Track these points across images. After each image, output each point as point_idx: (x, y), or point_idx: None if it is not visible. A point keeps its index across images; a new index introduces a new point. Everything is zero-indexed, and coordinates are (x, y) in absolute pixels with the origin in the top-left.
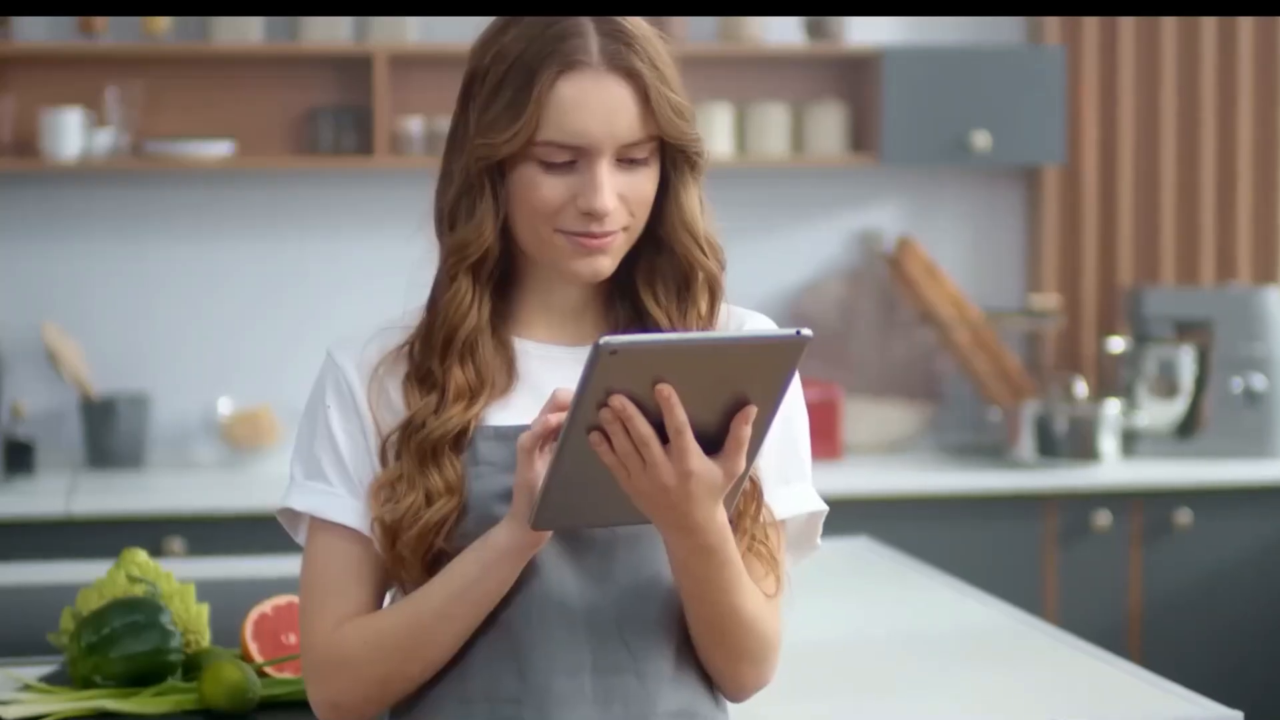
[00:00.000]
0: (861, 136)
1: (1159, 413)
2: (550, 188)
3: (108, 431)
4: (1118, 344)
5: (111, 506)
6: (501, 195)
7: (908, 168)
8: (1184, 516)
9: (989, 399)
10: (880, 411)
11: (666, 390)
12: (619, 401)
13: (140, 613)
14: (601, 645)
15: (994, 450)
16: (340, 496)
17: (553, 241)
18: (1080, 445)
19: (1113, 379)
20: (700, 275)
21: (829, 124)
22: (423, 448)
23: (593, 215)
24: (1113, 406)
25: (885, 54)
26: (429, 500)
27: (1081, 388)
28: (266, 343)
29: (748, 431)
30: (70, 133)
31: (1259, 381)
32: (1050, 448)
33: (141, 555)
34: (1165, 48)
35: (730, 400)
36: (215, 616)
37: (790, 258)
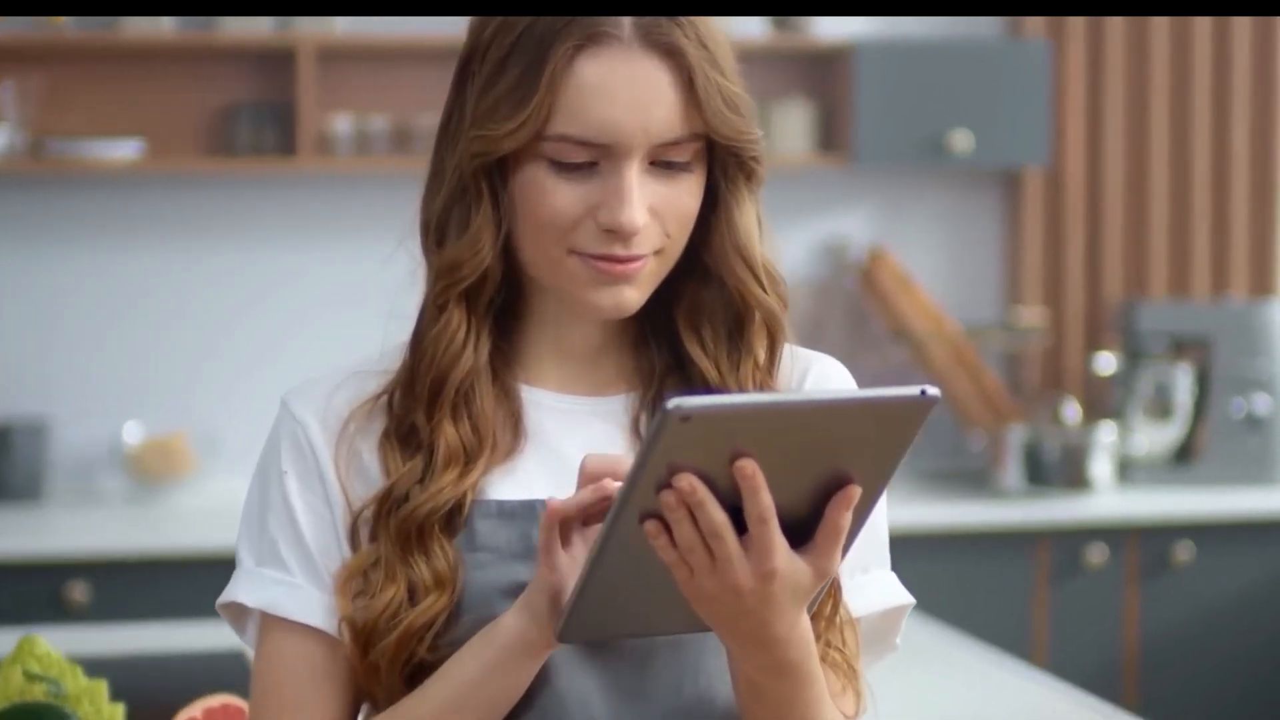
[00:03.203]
0: (830, 136)
1: (1155, 437)
2: (563, 195)
3: (1, 462)
4: (1107, 362)
5: (4, 548)
6: (503, 202)
7: (880, 170)
8: (1184, 551)
9: (969, 422)
10: None
11: (750, 467)
12: (688, 482)
13: None
14: None
15: (976, 478)
16: (300, 588)
17: (565, 265)
18: (1071, 474)
19: (1102, 400)
20: (757, 314)
21: (795, 123)
22: (405, 527)
23: (617, 233)
24: (1108, 431)
25: (857, 48)
26: (413, 596)
27: (1072, 410)
28: (179, 363)
29: (848, 519)
30: None
31: (1262, 403)
32: (1039, 476)
33: (42, 646)
34: (1156, 42)
35: (826, 477)
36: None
37: None
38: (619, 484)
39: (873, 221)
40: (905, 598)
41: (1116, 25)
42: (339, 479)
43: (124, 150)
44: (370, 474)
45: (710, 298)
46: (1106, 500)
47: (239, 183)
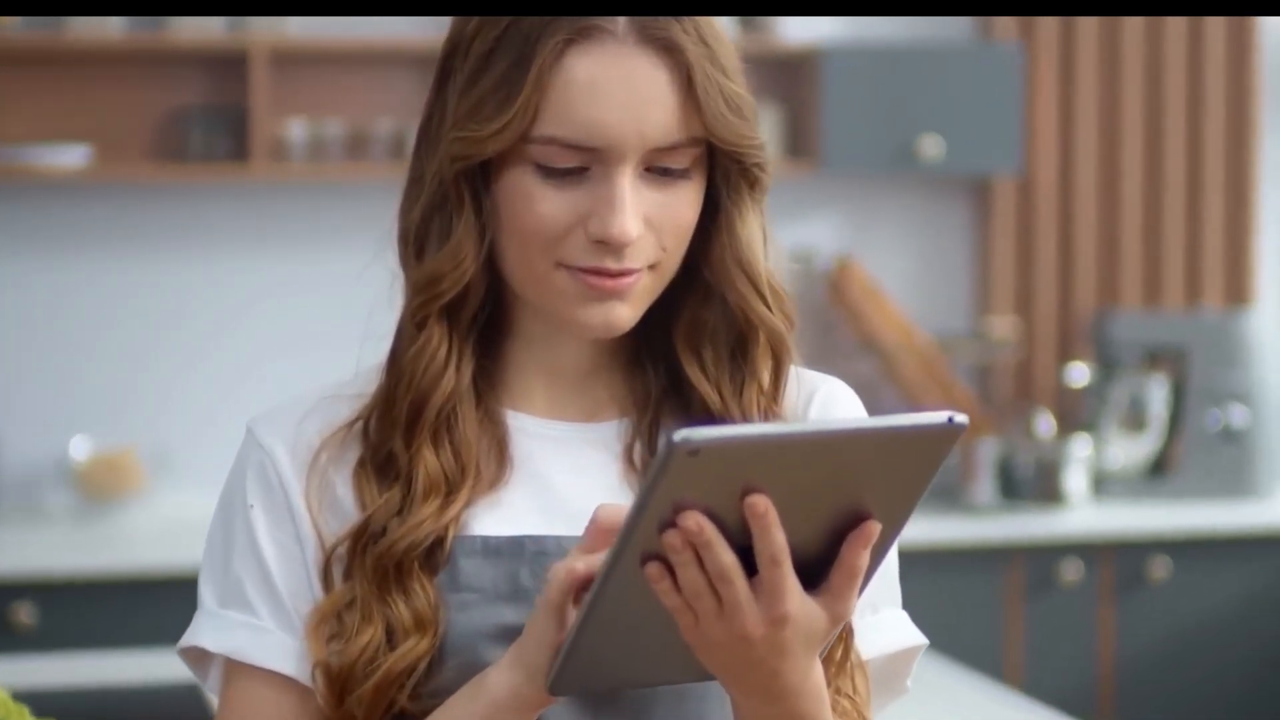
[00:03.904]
0: (797, 142)
1: (1129, 450)
2: (550, 203)
3: None
4: (1080, 373)
5: None
6: (487, 210)
7: (848, 177)
8: (1160, 568)
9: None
10: None
11: (762, 504)
12: (694, 521)
13: None
14: None
15: (948, 493)
16: (268, 632)
17: (552, 279)
18: (1045, 488)
19: (1074, 412)
20: (761, 334)
21: (761, 128)
22: (382, 564)
23: (609, 244)
24: (1083, 445)
25: (824, 52)
26: (391, 639)
27: (1046, 423)
28: (129, 376)
29: (865, 559)
30: None
31: (1238, 415)
32: (1011, 491)
33: None
34: (1128, 46)
35: (842, 512)
36: None
37: None
38: None
39: (840, 230)
40: (918, 638)
41: (1088, 28)
42: (310, 513)
43: (71, 157)
44: (344, 507)
45: (710, 316)
46: (1081, 515)
47: (190, 190)
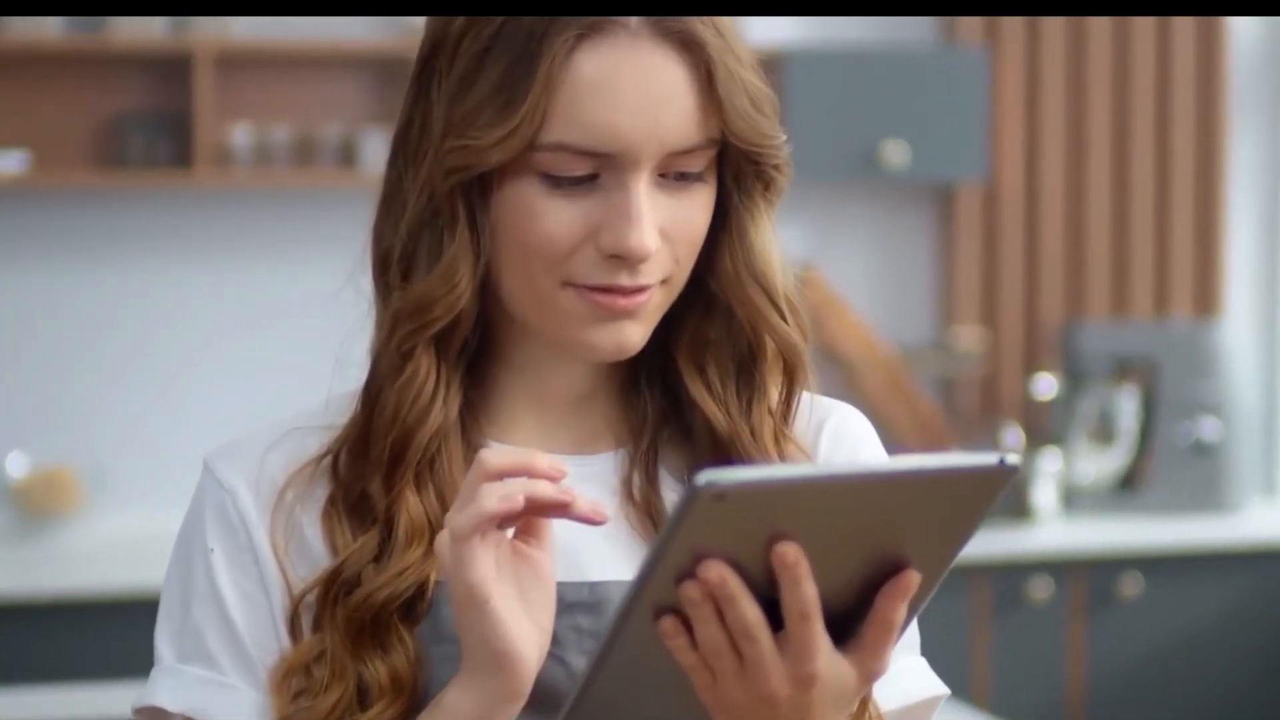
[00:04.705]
0: None
1: (1099, 464)
2: (558, 216)
3: None
4: (1048, 385)
5: None
6: (484, 228)
7: (809, 185)
8: (1131, 585)
9: (904, 450)
10: None
11: (793, 554)
12: (717, 573)
13: None
14: None
15: None
16: (232, 688)
17: (558, 300)
18: (1013, 503)
19: (1041, 425)
20: (770, 348)
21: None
22: (357, 616)
23: (624, 259)
24: (1052, 459)
25: (783, 56)
26: (364, 698)
27: (1014, 436)
28: (67, 390)
29: (903, 612)
30: None
31: (1210, 428)
32: None
33: None
34: (1095, 49)
35: (877, 560)
36: None
37: None
38: (539, 482)
39: (801, 238)
40: (939, 688)
41: (1054, 31)
42: (276, 557)
43: (8, 163)
44: (313, 550)
45: (715, 331)
46: (1050, 531)
47: (131, 197)
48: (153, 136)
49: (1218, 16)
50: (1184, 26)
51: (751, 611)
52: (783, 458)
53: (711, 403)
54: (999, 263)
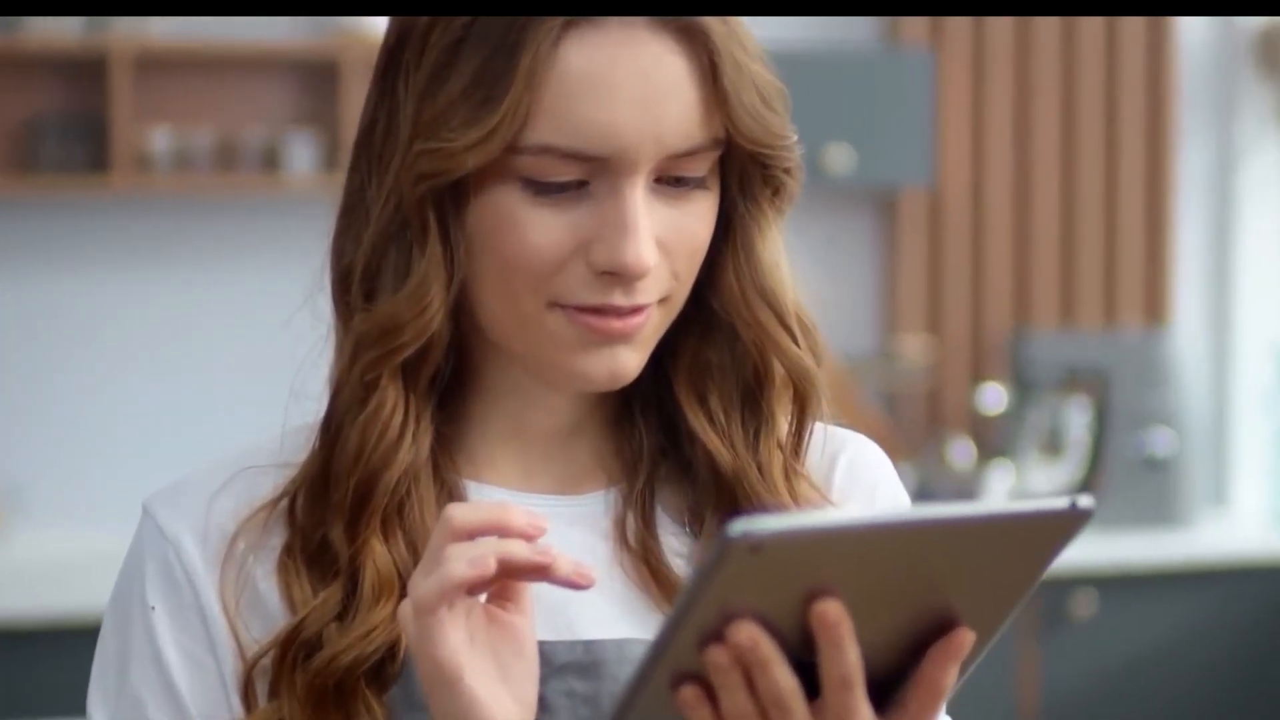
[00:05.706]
0: None
1: (1049, 478)
2: (543, 228)
3: None
4: (995, 396)
5: None
6: (458, 242)
7: None
8: (1085, 603)
9: None
10: None
11: (835, 613)
12: (748, 635)
13: None
14: None
15: None
16: None
17: (544, 323)
18: None
19: (989, 437)
20: (779, 373)
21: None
22: (319, 682)
23: (619, 276)
24: (1002, 472)
25: None
26: None
27: (962, 449)
28: None
29: (953, 676)
30: None
31: (1163, 440)
32: None
33: None
34: (1042, 52)
35: (924, 616)
36: None
37: None
38: (513, 542)
39: None
40: None
41: (1000, 33)
42: (226, 615)
43: None
44: (268, 605)
45: (719, 355)
46: None
47: (44, 204)
48: (67, 141)
49: (1166, 18)
50: (1132, 29)
51: (786, 679)
52: (794, 496)
53: (714, 435)
54: (944, 270)
